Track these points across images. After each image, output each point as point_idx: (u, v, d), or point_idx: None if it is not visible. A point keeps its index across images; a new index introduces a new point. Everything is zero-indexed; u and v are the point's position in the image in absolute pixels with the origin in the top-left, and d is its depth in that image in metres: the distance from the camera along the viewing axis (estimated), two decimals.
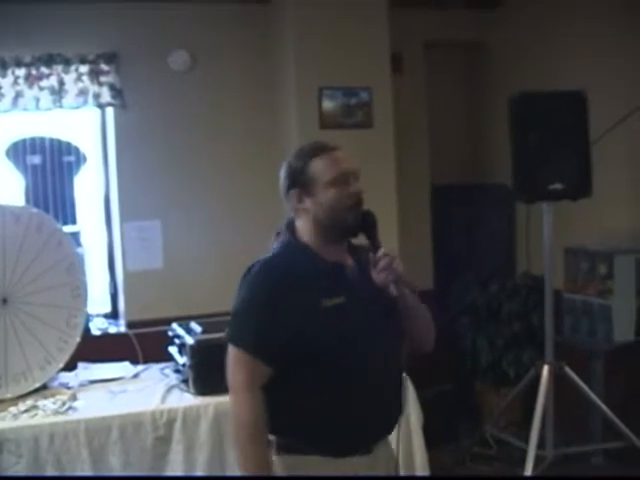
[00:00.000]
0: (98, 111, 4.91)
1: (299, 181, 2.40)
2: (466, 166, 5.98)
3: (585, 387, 4.15)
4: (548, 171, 4.01)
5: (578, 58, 4.89)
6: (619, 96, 4.57)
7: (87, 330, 4.50)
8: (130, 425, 3.52)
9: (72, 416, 3.53)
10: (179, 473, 3.55)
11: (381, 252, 2.33)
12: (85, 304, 3.98)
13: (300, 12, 4.82)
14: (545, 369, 4.11)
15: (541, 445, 4.06)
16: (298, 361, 2.33)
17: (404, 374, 2.48)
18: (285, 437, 2.37)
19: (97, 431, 3.48)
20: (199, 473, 3.56)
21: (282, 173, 2.46)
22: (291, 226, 2.46)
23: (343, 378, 2.33)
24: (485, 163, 5.91)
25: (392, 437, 3.75)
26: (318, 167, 2.38)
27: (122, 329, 4.86)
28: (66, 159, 4.99)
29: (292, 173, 2.42)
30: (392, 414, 2.48)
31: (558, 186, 4.00)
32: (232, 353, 2.35)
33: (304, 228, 2.42)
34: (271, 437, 2.38)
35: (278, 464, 2.38)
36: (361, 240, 2.48)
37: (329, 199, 2.36)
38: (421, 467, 3.87)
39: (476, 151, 5.99)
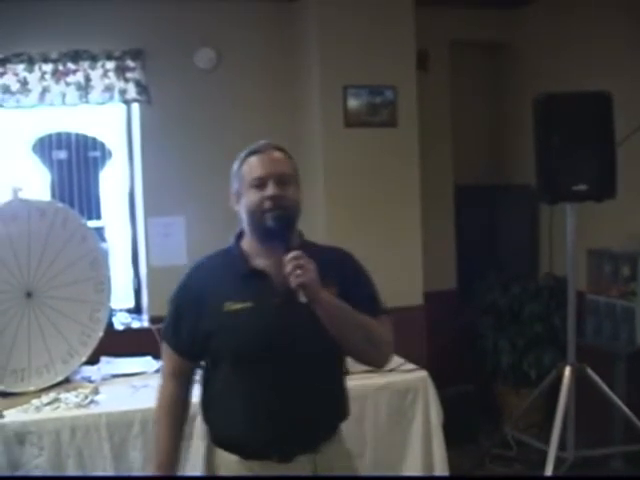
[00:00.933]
0: (124, 107, 4.95)
1: (235, 182, 2.43)
2: (489, 166, 5.97)
3: (607, 389, 4.12)
4: (572, 172, 3.99)
5: (603, 59, 4.87)
6: None
7: (110, 325, 4.53)
8: (152, 420, 3.50)
9: (94, 410, 3.54)
10: (200, 468, 3.55)
11: (288, 256, 2.21)
12: (108, 299, 3.99)
13: (325, 10, 4.82)
14: (567, 370, 4.09)
15: (562, 447, 4.04)
16: (211, 360, 2.42)
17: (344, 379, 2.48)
18: (208, 427, 2.48)
19: (119, 425, 3.50)
20: None
21: None
22: (240, 232, 2.48)
23: (247, 382, 2.34)
24: (508, 164, 5.89)
25: (411, 435, 3.82)
26: (245, 169, 2.39)
27: (145, 324, 4.88)
28: (91, 154, 5.03)
29: (232, 175, 2.45)
30: (312, 427, 2.38)
31: (582, 187, 3.98)
32: (163, 348, 2.53)
33: (245, 230, 2.44)
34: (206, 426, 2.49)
35: (207, 449, 2.50)
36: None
37: (248, 201, 2.35)
38: (440, 466, 3.87)
39: (499, 151, 5.97)
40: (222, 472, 2.41)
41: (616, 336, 4.54)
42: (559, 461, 3.96)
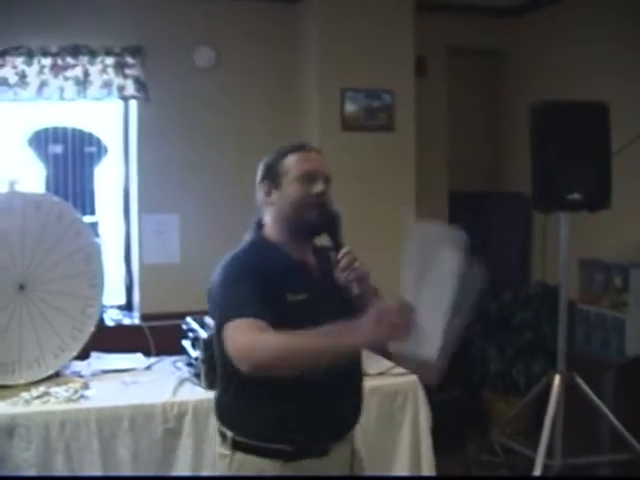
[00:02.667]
0: (121, 103, 4.95)
1: (270, 174, 2.43)
2: (484, 173, 5.98)
3: (596, 398, 4.14)
4: (567, 181, 4.00)
5: (599, 68, 4.90)
6: None
7: (101, 321, 4.52)
8: (141, 416, 3.53)
9: (84, 404, 3.54)
10: (188, 466, 3.56)
11: (343, 251, 2.36)
12: (101, 294, 4.00)
13: (325, 13, 4.85)
14: (557, 379, 4.10)
15: (549, 454, 4.05)
16: None
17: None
18: (240, 435, 2.37)
19: (108, 420, 3.49)
20: (207, 467, 3.56)
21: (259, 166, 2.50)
22: (259, 223, 2.48)
23: (304, 377, 2.27)
24: (503, 171, 5.91)
25: (400, 438, 3.83)
26: (291, 161, 2.41)
27: (136, 321, 4.88)
28: (87, 150, 5.01)
29: (266, 166, 2.46)
30: (350, 416, 2.47)
31: (577, 196, 3.99)
32: (235, 326, 2.23)
33: (271, 223, 2.45)
34: (229, 433, 2.39)
35: (232, 460, 2.38)
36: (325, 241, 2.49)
37: (292, 193, 2.38)
38: (428, 470, 3.88)
39: (494, 159, 5.99)
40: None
41: (606, 346, 4.56)
42: (546, 468, 3.98)
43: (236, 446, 2.37)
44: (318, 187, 2.39)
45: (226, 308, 2.31)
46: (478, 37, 5.69)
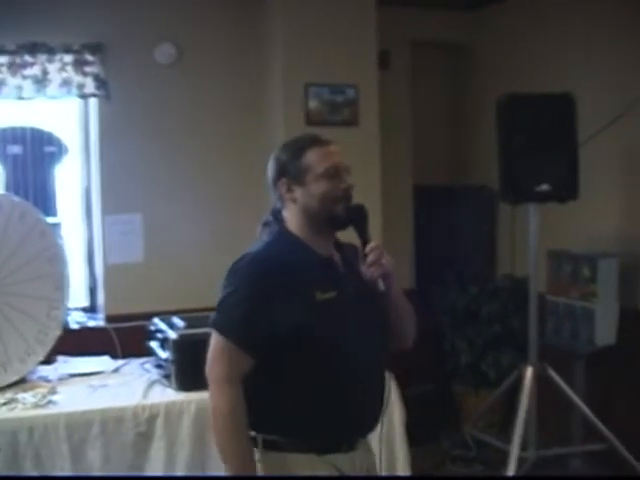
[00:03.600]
0: (80, 102, 4.85)
1: (290, 170, 2.39)
2: (448, 167, 5.99)
3: (568, 389, 4.16)
4: (535, 173, 4.02)
5: (564, 61, 4.92)
6: (606, 99, 4.59)
7: (65, 324, 4.43)
8: (111, 420, 3.46)
9: (52, 410, 3.46)
10: (160, 470, 3.50)
11: (370, 246, 2.34)
12: (67, 296, 3.92)
13: (289, 7, 4.80)
14: (529, 371, 4.12)
15: (523, 447, 4.06)
16: (286, 356, 2.29)
17: (387, 371, 2.49)
18: (269, 434, 2.33)
19: (77, 425, 3.42)
20: (180, 470, 3.51)
21: (271, 162, 2.45)
22: (279, 217, 2.44)
23: (330, 375, 2.31)
24: (467, 164, 5.92)
25: (374, 434, 3.80)
26: (312, 158, 2.37)
27: (101, 323, 4.79)
28: (47, 150, 4.91)
29: (284, 162, 2.41)
30: (377, 411, 2.47)
31: (545, 188, 4.01)
32: (216, 342, 2.31)
33: (292, 219, 2.41)
34: (255, 434, 2.34)
35: (262, 461, 2.34)
36: (346, 237, 2.48)
37: (321, 190, 2.35)
38: (403, 465, 3.86)
39: (458, 152, 5.99)
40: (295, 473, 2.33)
41: (575, 337, 4.58)
42: (520, 461, 3.98)
43: (265, 446, 2.34)
44: (345, 182, 2.38)
45: (218, 314, 2.34)
46: (442, 31, 5.70)
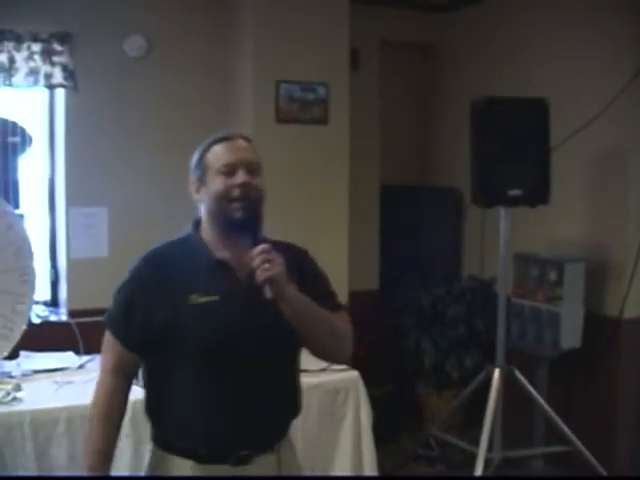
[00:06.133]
0: (46, 92, 4.75)
1: (197, 170, 2.35)
2: (415, 168, 6.00)
3: (534, 392, 4.20)
4: (507, 177, 4.05)
5: (534, 63, 4.95)
6: (577, 103, 4.63)
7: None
8: (78, 418, 3.38)
9: (16, 407, 3.39)
10: (127, 468, 3.45)
11: (256, 250, 2.15)
12: (32, 291, 3.85)
13: (260, 3, 4.76)
14: (496, 373, 4.14)
15: (489, 448, 4.09)
16: (166, 355, 2.28)
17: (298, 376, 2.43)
18: (156, 430, 2.36)
19: (43, 423, 3.36)
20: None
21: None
22: (198, 221, 2.40)
23: (207, 381, 2.25)
24: (435, 165, 5.94)
25: (341, 435, 3.80)
26: (212, 155, 2.31)
27: (63, 317, 4.70)
28: (11, 140, 4.80)
29: (193, 163, 2.37)
30: (273, 424, 2.34)
31: (517, 192, 4.04)
32: (106, 333, 2.37)
33: (203, 220, 2.36)
34: (152, 427, 2.38)
35: (153, 455, 2.39)
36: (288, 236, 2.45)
37: (215, 188, 2.27)
38: (370, 466, 3.87)
39: (426, 153, 6.01)
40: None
41: (540, 339, 4.62)
42: (486, 462, 4.01)
43: (155, 440, 2.37)
44: (239, 178, 2.25)
45: (109, 311, 2.37)
46: (412, 31, 5.71)
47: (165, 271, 2.29)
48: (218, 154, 2.30)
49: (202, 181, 2.32)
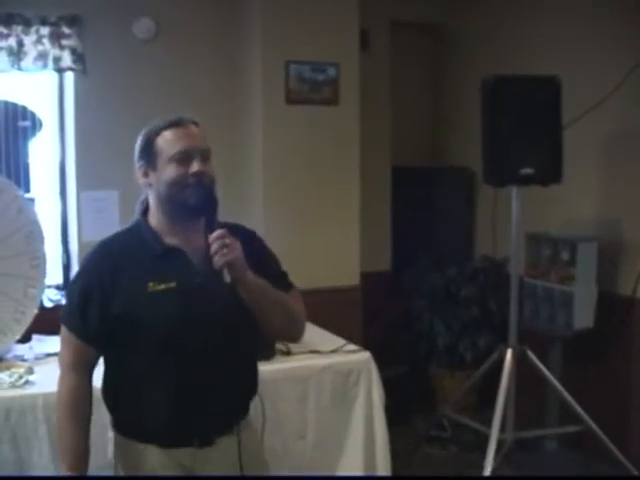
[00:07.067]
0: (56, 75, 4.74)
1: (145, 154, 2.34)
2: (427, 149, 5.97)
3: (547, 372, 4.18)
4: (519, 155, 4.01)
5: (547, 44, 4.91)
6: (589, 82, 4.58)
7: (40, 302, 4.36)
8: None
9: (29, 390, 3.39)
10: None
11: (213, 235, 2.16)
12: (44, 275, 3.83)
13: None
14: (509, 353, 4.13)
15: (501, 429, 4.08)
16: (125, 344, 2.29)
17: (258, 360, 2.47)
18: (116, 417, 2.39)
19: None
20: None
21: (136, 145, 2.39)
22: (145, 204, 2.39)
23: (166, 366, 2.27)
24: (445, 146, 5.91)
25: (354, 416, 3.79)
26: (164, 141, 2.31)
27: None
28: (21, 124, 4.80)
29: (140, 145, 2.37)
30: (234, 405, 2.40)
31: (529, 171, 4.00)
32: (63, 333, 2.37)
33: (152, 206, 2.36)
34: (111, 414, 2.41)
35: (116, 442, 2.42)
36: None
37: (169, 175, 2.27)
38: (382, 447, 3.85)
39: (438, 134, 5.98)
40: (143, 464, 2.31)
41: (553, 320, 4.60)
42: (499, 443, 4.00)
43: (115, 427, 2.40)
44: (194, 167, 2.26)
45: (64, 306, 2.41)
46: (422, 11, 5.65)
47: (117, 262, 2.30)
48: (170, 140, 2.29)
49: (151, 166, 2.31)
